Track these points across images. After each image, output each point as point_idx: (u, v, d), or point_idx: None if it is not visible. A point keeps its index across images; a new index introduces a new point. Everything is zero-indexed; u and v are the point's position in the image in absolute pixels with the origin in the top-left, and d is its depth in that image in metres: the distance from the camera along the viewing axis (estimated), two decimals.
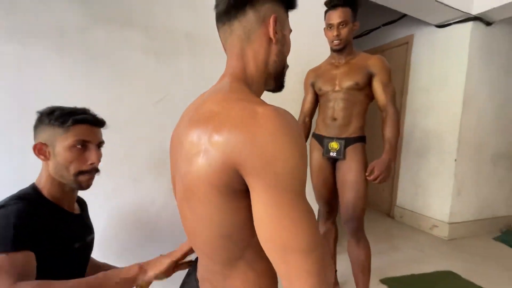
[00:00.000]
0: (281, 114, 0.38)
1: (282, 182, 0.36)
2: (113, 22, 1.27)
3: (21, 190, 0.72)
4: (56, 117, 0.70)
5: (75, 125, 0.72)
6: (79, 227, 0.81)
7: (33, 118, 0.75)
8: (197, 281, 0.59)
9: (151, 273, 0.73)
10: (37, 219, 0.65)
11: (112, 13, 1.27)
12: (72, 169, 0.72)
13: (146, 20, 1.34)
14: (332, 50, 1.37)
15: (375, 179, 1.19)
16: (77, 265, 0.79)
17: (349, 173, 1.31)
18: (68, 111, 0.72)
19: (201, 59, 1.47)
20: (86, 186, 0.77)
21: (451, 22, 2.42)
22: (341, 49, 1.32)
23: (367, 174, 1.22)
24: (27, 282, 0.57)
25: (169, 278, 0.78)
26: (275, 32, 0.51)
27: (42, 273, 0.62)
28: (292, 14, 0.58)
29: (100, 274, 0.67)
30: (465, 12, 2.27)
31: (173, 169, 0.56)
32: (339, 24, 1.26)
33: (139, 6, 1.33)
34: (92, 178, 0.77)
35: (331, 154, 1.33)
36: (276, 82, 0.57)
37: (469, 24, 2.34)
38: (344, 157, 1.32)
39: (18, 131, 1.15)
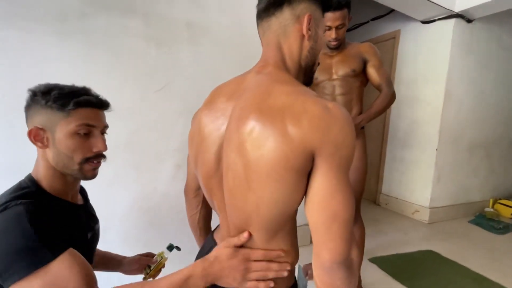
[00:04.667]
0: (344, 109, 0.47)
1: (343, 164, 0.45)
2: (113, 9, 1.27)
3: (18, 185, 0.63)
4: (55, 98, 0.61)
5: (77, 109, 0.62)
6: (87, 218, 0.75)
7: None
8: (214, 241, 0.64)
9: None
10: (48, 217, 0.56)
11: (113, 0, 1.26)
12: (77, 157, 0.63)
13: (146, 8, 1.34)
14: (328, 47, 1.43)
15: None
16: (87, 257, 0.72)
17: None
18: (68, 90, 0.63)
19: (201, 48, 1.49)
20: (91, 176, 0.68)
21: (436, 18, 2.55)
22: (338, 46, 1.39)
23: None
24: None
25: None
26: (308, 29, 0.55)
27: None
28: None
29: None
30: (448, 9, 2.40)
31: (204, 157, 0.58)
32: (337, 26, 1.30)
33: None
34: (98, 167, 0.69)
35: None
36: (306, 76, 0.62)
37: (452, 21, 2.47)
38: None
39: (18, 117, 1.13)
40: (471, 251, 2.06)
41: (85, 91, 0.66)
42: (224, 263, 0.55)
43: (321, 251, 0.45)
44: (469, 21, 2.54)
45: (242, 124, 0.49)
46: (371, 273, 1.66)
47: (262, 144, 0.46)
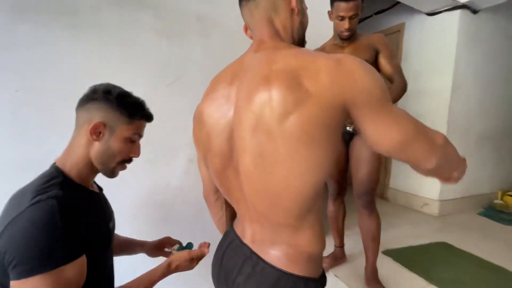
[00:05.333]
0: (355, 57, 0.47)
1: (383, 102, 0.45)
2: (125, 3, 1.26)
3: (45, 176, 0.63)
4: (127, 104, 0.69)
5: (140, 120, 0.73)
6: (106, 206, 0.80)
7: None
8: (236, 234, 0.63)
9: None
10: (78, 207, 0.60)
11: None
12: (118, 158, 0.70)
13: (157, 1, 1.33)
14: (340, 38, 1.41)
15: None
16: (109, 244, 0.78)
17: (363, 148, 1.36)
18: (137, 101, 0.73)
19: (212, 41, 1.48)
20: (116, 175, 0.75)
21: (441, 10, 2.54)
22: (350, 37, 1.37)
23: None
24: None
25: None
26: (297, 3, 0.57)
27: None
28: None
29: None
30: (454, 0, 2.39)
31: (215, 149, 0.55)
32: (350, 16, 1.29)
33: None
34: (124, 169, 0.77)
35: (348, 128, 1.39)
36: None
37: (457, 12, 2.46)
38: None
39: (30, 112, 1.12)
40: (484, 242, 2.04)
41: (145, 105, 0.75)
42: (182, 267, 0.80)
43: (425, 165, 0.50)
44: (474, 12, 2.53)
45: (254, 99, 0.46)
46: (386, 266, 1.64)
47: (284, 110, 0.43)
